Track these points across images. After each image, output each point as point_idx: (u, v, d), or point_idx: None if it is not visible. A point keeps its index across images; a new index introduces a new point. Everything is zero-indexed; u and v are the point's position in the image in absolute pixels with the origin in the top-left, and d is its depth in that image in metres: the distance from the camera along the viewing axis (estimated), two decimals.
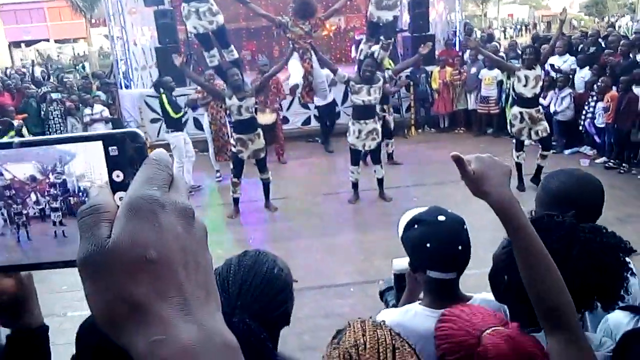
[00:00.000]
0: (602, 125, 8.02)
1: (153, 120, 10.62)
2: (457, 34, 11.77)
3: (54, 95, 9.58)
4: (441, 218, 1.61)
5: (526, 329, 1.40)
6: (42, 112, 9.16)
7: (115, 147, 0.46)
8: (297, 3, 6.80)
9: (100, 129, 9.84)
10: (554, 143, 8.41)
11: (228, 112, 6.93)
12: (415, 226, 1.64)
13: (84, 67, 19.04)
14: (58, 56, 25.46)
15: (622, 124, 7.55)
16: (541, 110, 7.00)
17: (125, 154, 0.46)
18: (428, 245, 1.59)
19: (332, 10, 7.38)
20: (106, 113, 9.93)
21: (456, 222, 1.64)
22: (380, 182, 7.09)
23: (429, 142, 9.94)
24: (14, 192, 0.46)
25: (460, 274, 1.66)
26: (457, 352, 1.20)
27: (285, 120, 10.54)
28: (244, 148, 6.61)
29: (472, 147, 9.44)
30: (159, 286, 0.39)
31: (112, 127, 10.12)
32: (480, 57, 10.07)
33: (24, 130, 8.33)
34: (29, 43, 29.38)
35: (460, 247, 1.60)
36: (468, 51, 10.43)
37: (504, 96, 9.71)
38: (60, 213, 0.47)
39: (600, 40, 9.44)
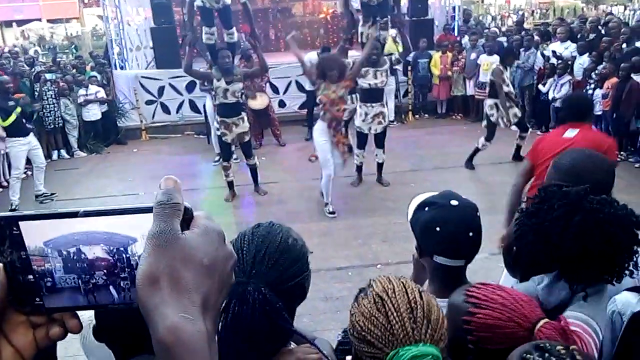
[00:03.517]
0: (600, 113, 8.01)
1: (148, 102, 10.50)
2: (456, 18, 11.69)
3: (48, 76, 9.42)
4: (454, 202, 1.54)
5: None
6: (36, 92, 9.00)
7: None
8: (325, 63, 5.97)
9: (95, 109, 9.73)
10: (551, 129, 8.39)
11: (213, 93, 6.73)
12: (426, 209, 1.57)
13: (76, 48, 18.73)
14: (51, 36, 25.06)
15: (623, 112, 7.52)
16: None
17: None
18: (438, 229, 1.51)
19: (358, 64, 6.23)
20: (101, 94, 9.80)
21: (469, 208, 1.56)
22: (380, 166, 7.08)
23: (426, 128, 9.92)
24: (85, 265, 0.55)
25: (468, 262, 1.57)
26: (500, 343, 1.13)
27: (282, 103, 10.47)
28: (227, 131, 6.54)
29: (469, 132, 9.43)
30: (200, 282, 0.52)
31: (107, 108, 10.01)
32: (479, 42, 10.03)
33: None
34: (20, 23, 28.90)
35: (471, 234, 1.51)
36: (467, 36, 10.37)
37: None
38: (128, 281, 0.56)
39: (600, 27, 9.38)
